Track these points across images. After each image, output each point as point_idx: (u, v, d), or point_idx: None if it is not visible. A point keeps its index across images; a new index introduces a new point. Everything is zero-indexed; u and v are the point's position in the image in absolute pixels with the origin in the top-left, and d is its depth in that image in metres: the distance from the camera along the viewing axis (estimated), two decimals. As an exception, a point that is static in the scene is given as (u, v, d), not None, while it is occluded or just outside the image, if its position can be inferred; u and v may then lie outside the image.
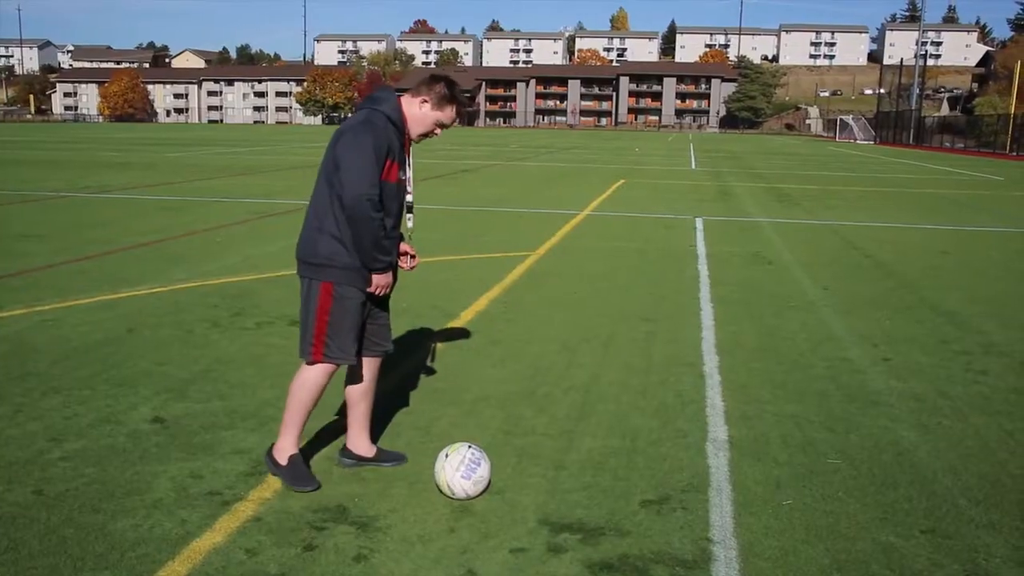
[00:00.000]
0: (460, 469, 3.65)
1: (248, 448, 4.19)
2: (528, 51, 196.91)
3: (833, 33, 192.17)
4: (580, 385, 5.30)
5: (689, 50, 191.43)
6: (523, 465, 4.08)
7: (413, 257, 4.08)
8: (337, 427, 4.43)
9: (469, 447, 3.76)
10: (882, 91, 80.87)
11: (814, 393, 5.24)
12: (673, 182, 23.15)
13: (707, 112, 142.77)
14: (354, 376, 3.97)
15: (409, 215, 4.00)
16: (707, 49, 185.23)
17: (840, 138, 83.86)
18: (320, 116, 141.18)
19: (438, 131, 3.85)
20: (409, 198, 3.96)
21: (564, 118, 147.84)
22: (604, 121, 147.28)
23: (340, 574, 3.10)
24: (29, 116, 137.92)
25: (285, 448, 3.83)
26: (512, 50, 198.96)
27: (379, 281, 3.75)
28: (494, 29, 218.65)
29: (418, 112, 3.78)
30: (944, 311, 7.62)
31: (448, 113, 3.80)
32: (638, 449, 4.30)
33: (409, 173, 3.88)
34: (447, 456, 3.71)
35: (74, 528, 3.37)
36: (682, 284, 8.63)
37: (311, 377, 3.79)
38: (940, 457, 4.29)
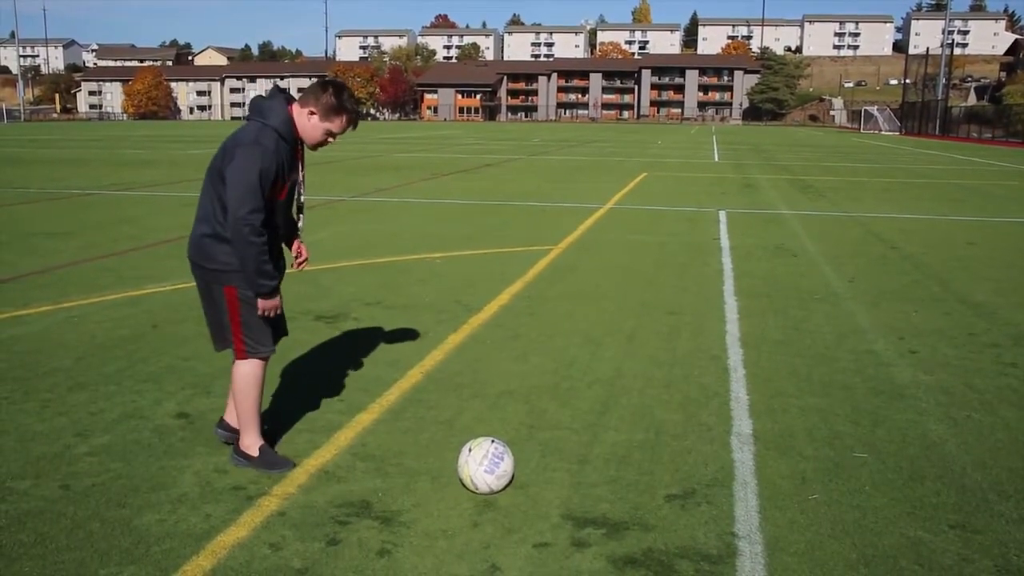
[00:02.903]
0: (483, 463, 3.65)
1: (272, 442, 4.20)
2: (549, 44, 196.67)
3: (857, 23, 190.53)
4: (604, 379, 5.27)
5: (711, 42, 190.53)
6: (547, 459, 4.06)
7: (304, 260, 4.18)
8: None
9: (492, 441, 3.75)
10: (907, 81, 79.96)
11: (840, 386, 5.19)
12: (696, 175, 23.03)
13: (730, 104, 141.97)
14: None
15: (300, 215, 4.02)
16: (729, 41, 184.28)
17: (865, 129, 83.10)
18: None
19: (331, 139, 3.80)
20: (302, 199, 3.98)
21: (586, 111, 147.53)
22: (626, 114, 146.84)
23: (363, 568, 3.10)
24: (55, 115, 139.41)
25: (251, 444, 3.92)
26: (533, 44, 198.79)
27: (264, 305, 3.75)
28: (515, 23, 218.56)
29: (307, 123, 3.72)
30: (972, 303, 7.53)
31: (337, 123, 3.74)
32: (662, 443, 4.27)
33: (301, 175, 3.88)
34: (470, 451, 3.70)
35: (100, 522, 3.40)
36: (706, 277, 8.57)
37: (247, 376, 3.88)
38: (969, 451, 4.24)
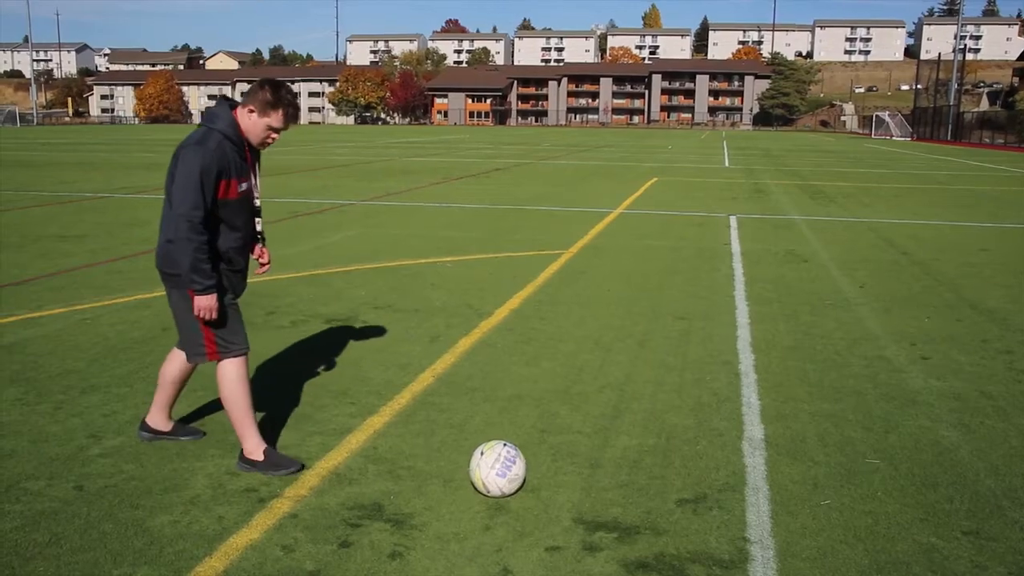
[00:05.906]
0: (495, 467, 3.65)
1: (284, 445, 4.22)
2: (560, 49, 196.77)
3: (869, 28, 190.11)
4: (615, 383, 5.27)
5: (722, 47, 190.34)
6: (558, 463, 4.06)
7: (266, 264, 4.19)
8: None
9: (504, 445, 3.75)
10: (919, 86, 79.68)
11: (851, 392, 5.18)
12: (706, 180, 23.00)
13: (740, 109, 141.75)
14: (174, 360, 4.11)
15: (258, 219, 4.06)
16: (740, 46, 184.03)
17: (876, 135, 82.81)
18: (353, 116, 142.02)
19: (273, 135, 3.88)
20: (257, 203, 4.02)
21: (596, 116, 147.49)
22: (636, 119, 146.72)
23: (375, 571, 3.11)
24: (67, 119, 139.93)
25: (254, 448, 3.93)
26: (544, 48, 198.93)
27: (200, 303, 3.73)
28: (525, 28, 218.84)
29: (249, 122, 3.83)
30: (984, 309, 7.50)
31: (276, 117, 3.82)
32: (674, 448, 4.27)
33: (255, 180, 3.95)
34: (482, 454, 3.71)
35: (114, 523, 3.41)
36: (716, 282, 8.56)
37: (228, 377, 3.91)
38: (982, 457, 4.22)
